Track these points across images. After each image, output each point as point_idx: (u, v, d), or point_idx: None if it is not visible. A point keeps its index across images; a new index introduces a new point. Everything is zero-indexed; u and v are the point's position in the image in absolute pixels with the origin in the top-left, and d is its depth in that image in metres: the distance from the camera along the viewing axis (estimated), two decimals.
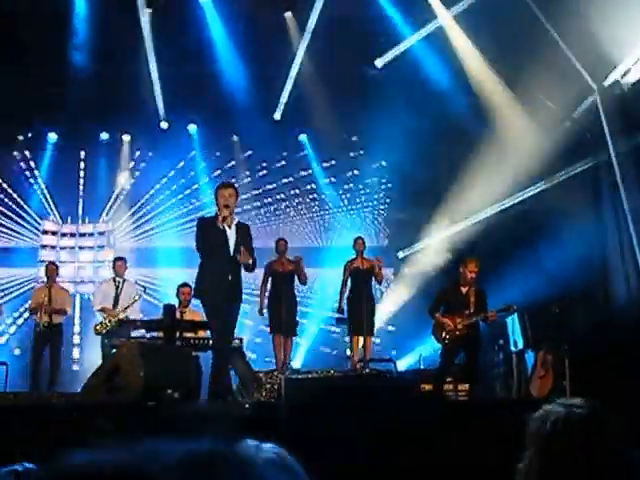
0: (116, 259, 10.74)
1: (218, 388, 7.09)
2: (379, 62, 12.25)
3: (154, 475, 0.84)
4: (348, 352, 10.56)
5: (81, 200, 13.86)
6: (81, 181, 13.81)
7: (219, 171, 13.76)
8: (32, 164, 13.66)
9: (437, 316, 8.77)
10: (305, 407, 6.45)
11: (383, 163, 13.73)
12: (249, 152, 13.84)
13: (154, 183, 13.77)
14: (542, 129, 11.22)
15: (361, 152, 13.78)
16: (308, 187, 14.06)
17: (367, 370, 9.48)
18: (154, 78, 12.50)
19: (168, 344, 8.52)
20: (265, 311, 10.18)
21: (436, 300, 8.96)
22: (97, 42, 11.59)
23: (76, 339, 13.16)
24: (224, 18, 11.95)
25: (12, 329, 13.06)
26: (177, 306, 9.53)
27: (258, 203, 13.92)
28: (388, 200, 13.98)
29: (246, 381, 8.83)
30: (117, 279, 10.27)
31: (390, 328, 13.04)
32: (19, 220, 13.65)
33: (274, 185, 13.98)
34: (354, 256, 10.32)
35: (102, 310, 10.07)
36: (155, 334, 9.04)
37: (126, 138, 13.68)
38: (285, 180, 13.99)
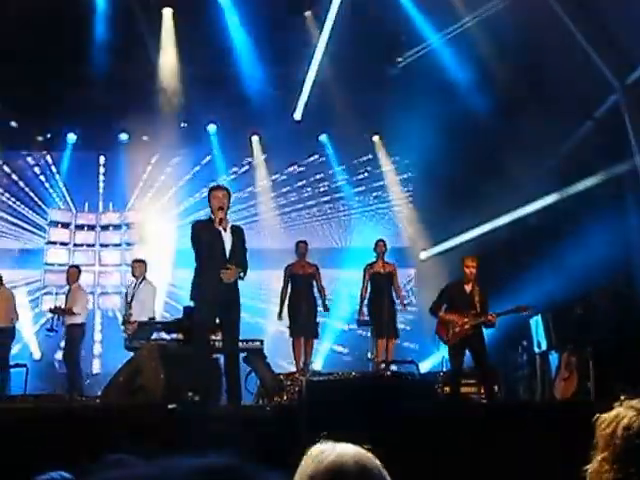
0: (134, 261, 10.13)
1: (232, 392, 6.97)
2: (400, 61, 12.17)
3: None
4: (369, 354, 10.46)
5: (101, 197, 13.30)
6: (101, 177, 13.53)
7: (238, 171, 13.71)
8: (51, 165, 13.56)
9: (441, 314, 8.67)
10: (326, 409, 6.38)
11: (405, 162, 13.68)
12: (269, 153, 13.76)
13: (173, 184, 13.70)
14: (564, 129, 11.10)
15: (382, 151, 13.68)
16: (328, 187, 13.97)
17: (388, 372, 9.41)
18: (174, 78, 12.45)
19: (188, 346, 8.46)
20: (285, 315, 10.03)
21: (439, 298, 8.81)
22: (117, 42, 11.57)
23: (97, 348, 12.21)
24: (243, 18, 11.93)
25: (32, 331, 12.60)
26: None
27: (277, 204, 13.85)
28: (410, 200, 13.88)
29: (267, 383, 8.77)
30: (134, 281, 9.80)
31: (408, 328, 12.91)
32: (40, 221, 13.34)
33: (294, 186, 13.91)
34: (374, 259, 10.24)
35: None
36: (175, 336, 8.98)
37: (145, 139, 13.64)
38: (305, 180, 13.92)
